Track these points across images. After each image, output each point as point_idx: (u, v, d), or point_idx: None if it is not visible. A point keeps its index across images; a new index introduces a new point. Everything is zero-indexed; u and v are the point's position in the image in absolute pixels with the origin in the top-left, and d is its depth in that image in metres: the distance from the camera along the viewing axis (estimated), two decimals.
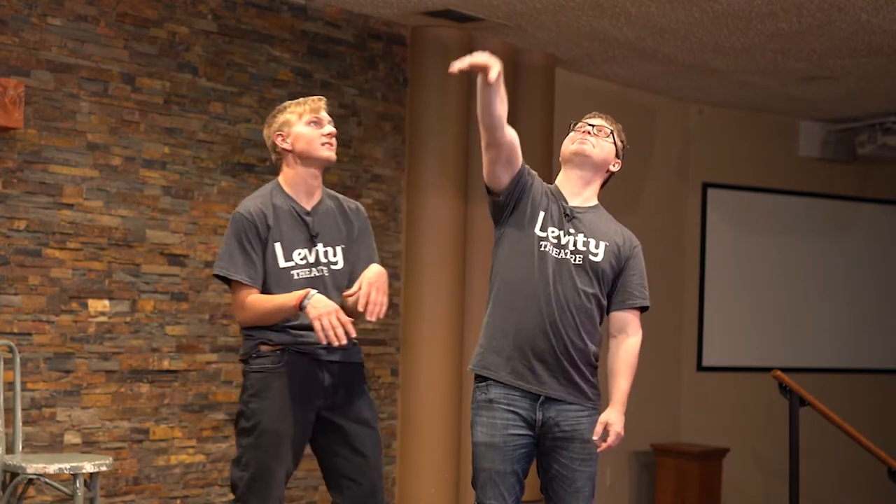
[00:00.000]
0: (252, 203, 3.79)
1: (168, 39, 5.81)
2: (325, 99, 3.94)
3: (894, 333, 9.71)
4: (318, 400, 3.79)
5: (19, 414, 5.06)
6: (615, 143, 3.84)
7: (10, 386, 5.13)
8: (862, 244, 9.63)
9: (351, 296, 3.71)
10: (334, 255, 3.86)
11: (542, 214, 3.74)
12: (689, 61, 7.48)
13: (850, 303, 9.54)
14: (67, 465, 4.80)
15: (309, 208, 3.85)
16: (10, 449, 5.05)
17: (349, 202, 3.99)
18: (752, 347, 9.06)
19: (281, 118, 3.85)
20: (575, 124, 3.88)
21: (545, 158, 7.04)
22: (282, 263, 3.77)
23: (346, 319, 3.59)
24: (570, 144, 3.82)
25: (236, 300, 3.76)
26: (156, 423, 5.76)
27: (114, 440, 5.60)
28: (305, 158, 3.83)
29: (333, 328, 3.55)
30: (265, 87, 6.18)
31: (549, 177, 3.99)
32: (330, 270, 3.84)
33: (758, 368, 8.50)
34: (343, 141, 6.55)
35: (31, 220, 5.33)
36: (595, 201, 3.86)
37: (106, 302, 5.58)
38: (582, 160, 3.80)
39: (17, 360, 5.06)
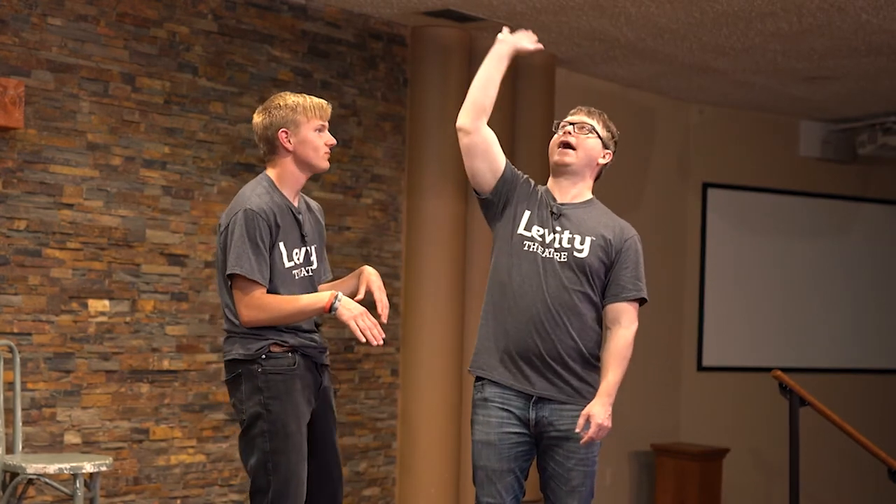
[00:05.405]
0: (261, 200, 3.69)
1: (168, 39, 5.81)
2: (330, 105, 3.91)
3: (894, 333, 9.71)
4: (314, 401, 3.82)
5: (19, 414, 5.06)
6: (599, 136, 3.83)
7: (10, 386, 5.13)
8: (862, 244, 9.62)
9: (361, 299, 3.75)
10: (313, 255, 3.85)
11: (527, 214, 3.78)
12: (689, 61, 7.48)
13: (850, 303, 9.53)
14: (67, 465, 4.81)
15: (296, 206, 3.82)
16: (10, 449, 5.05)
17: (311, 202, 3.98)
18: (752, 347, 9.06)
19: (288, 115, 3.75)
20: (558, 125, 3.89)
21: (545, 159, 6.99)
22: (286, 263, 3.74)
23: (375, 321, 3.63)
24: (552, 153, 3.86)
25: (248, 300, 3.64)
26: (156, 423, 5.77)
27: (114, 440, 5.60)
28: (304, 163, 3.78)
29: (370, 328, 3.59)
30: (265, 87, 6.18)
31: (548, 176, 3.99)
32: (312, 269, 3.84)
33: (758, 368, 8.50)
34: (343, 141, 6.56)
35: (32, 220, 5.33)
36: (587, 196, 3.86)
37: (106, 302, 5.58)
38: (563, 169, 3.84)
39: (17, 360, 5.06)
